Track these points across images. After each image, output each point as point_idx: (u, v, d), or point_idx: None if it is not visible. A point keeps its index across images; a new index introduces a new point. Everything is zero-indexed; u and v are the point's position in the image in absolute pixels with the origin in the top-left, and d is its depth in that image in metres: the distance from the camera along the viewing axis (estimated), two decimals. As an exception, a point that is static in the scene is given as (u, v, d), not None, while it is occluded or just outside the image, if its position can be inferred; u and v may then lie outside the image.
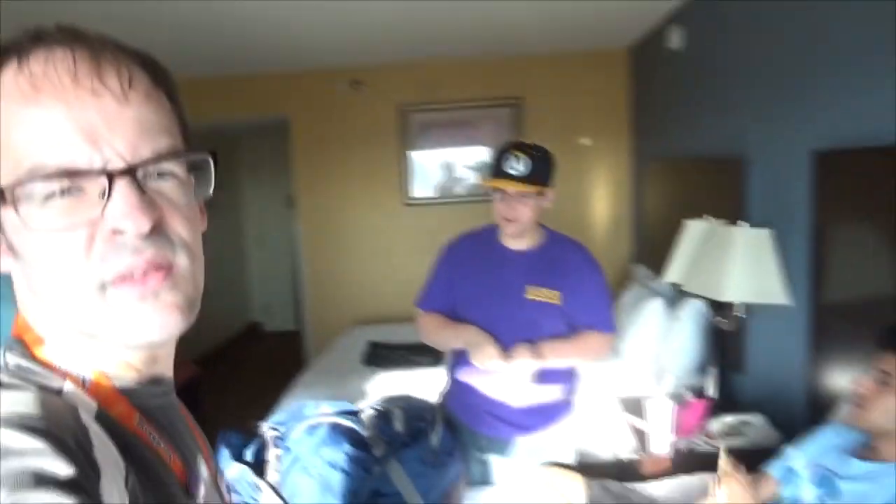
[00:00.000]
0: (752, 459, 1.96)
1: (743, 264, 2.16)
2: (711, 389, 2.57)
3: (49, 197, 0.48)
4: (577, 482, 1.83)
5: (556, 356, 1.90)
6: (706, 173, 3.14)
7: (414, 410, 1.92)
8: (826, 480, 1.48)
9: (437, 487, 1.77)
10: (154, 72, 0.54)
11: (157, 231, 0.51)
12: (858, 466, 1.43)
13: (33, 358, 0.53)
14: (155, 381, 0.59)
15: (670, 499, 1.94)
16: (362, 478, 1.72)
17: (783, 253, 2.23)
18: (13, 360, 0.53)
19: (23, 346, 0.54)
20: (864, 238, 1.92)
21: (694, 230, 2.59)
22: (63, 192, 0.48)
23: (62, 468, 0.40)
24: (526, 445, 1.99)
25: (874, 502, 1.36)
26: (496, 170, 1.91)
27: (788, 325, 2.29)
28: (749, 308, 2.32)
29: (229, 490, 0.73)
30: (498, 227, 1.99)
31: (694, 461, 2.17)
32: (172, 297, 0.52)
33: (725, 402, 2.52)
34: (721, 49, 2.96)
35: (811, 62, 2.15)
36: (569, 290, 1.93)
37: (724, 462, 1.56)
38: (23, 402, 0.45)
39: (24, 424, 0.42)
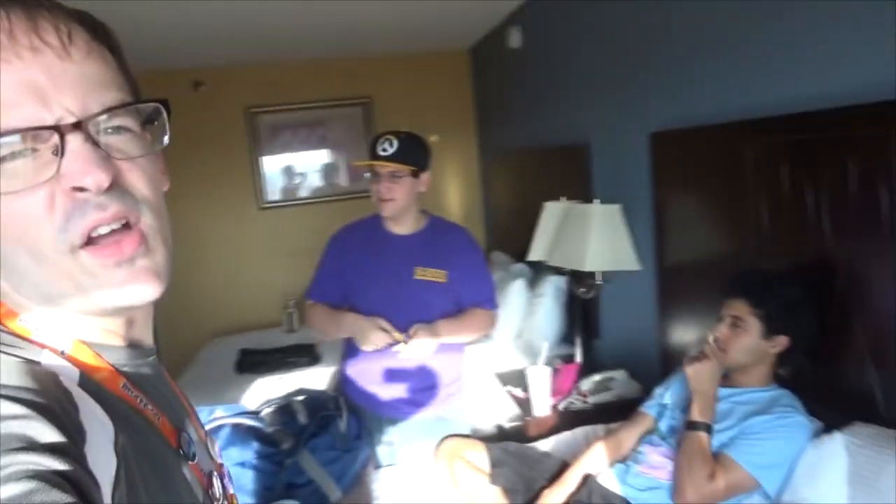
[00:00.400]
0: (620, 409, 2.22)
1: (599, 237, 2.41)
2: (578, 354, 2.82)
3: (2, 160, 0.47)
4: (479, 448, 1.95)
5: (450, 333, 2.01)
6: (553, 161, 3.42)
7: (315, 401, 1.94)
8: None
9: (350, 471, 1.81)
10: (93, 28, 0.53)
11: (116, 186, 0.51)
12: (719, 392, 1.69)
13: (7, 331, 0.51)
14: (135, 346, 0.59)
15: (557, 450, 2.13)
16: (274, 472, 1.71)
17: (631, 225, 2.52)
18: None
19: None
20: (695, 206, 2.24)
21: (552, 210, 2.83)
22: (15, 154, 0.47)
23: (47, 433, 0.40)
24: (426, 422, 2.08)
25: (734, 415, 1.62)
26: (369, 154, 2.00)
27: (640, 289, 2.59)
28: (605, 276, 2.58)
29: (220, 454, 0.74)
30: (382, 215, 2.06)
31: (572, 418, 2.39)
32: (147, 261, 0.53)
33: (591, 364, 2.79)
34: (558, 46, 3.25)
35: (643, 54, 2.46)
36: (454, 270, 2.05)
37: (709, 345, 1.67)
38: (2, 371, 0.45)
39: (6, 394, 0.42)
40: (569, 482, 1.80)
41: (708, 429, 1.59)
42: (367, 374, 2.06)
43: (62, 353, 0.51)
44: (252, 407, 2.05)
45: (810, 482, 1.50)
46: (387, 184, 1.96)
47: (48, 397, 0.43)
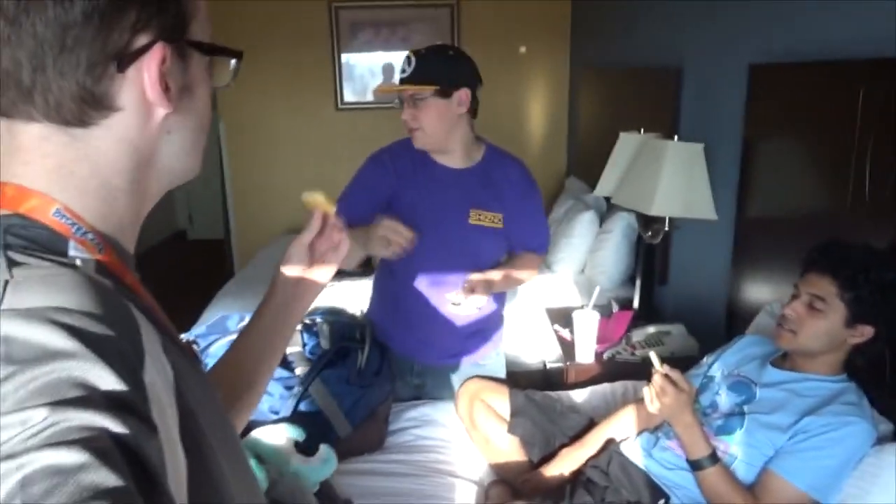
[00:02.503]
0: (671, 366, 2.03)
1: (673, 179, 2.14)
2: (636, 301, 2.63)
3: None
4: (502, 393, 1.85)
5: (504, 284, 1.86)
6: (642, 85, 3.09)
7: (342, 328, 1.85)
8: (743, 387, 1.53)
9: (364, 406, 1.74)
10: None
11: None
12: (776, 374, 1.48)
13: (43, 226, 0.46)
14: None
15: (590, 404, 2.00)
16: (283, 397, 1.68)
17: (713, 167, 2.23)
18: (16, 238, 0.45)
19: (23, 217, 0.47)
20: (790, 155, 1.93)
21: (627, 143, 2.56)
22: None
23: (105, 377, 0.37)
24: (461, 369, 1.98)
25: (789, 407, 1.42)
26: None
27: (713, 238, 2.33)
28: (676, 221, 2.33)
29: None
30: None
31: (616, 370, 2.24)
32: None
33: (649, 313, 2.59)
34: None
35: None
36: (510, 213, 1.84)
37: (658, 375, 1.47)
38: (57, 286, 0.41)
39: (60, 320, 0.38)
40: (590, 444, 1.68)
41: (713, 458, 1.41)
42: (408, 317, 1.91)
43: (99, 251, 0.48)
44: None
45: (860, 493, 1.30)
46: (411, 110, 1.71)
47: (112, 325, 0.40)
